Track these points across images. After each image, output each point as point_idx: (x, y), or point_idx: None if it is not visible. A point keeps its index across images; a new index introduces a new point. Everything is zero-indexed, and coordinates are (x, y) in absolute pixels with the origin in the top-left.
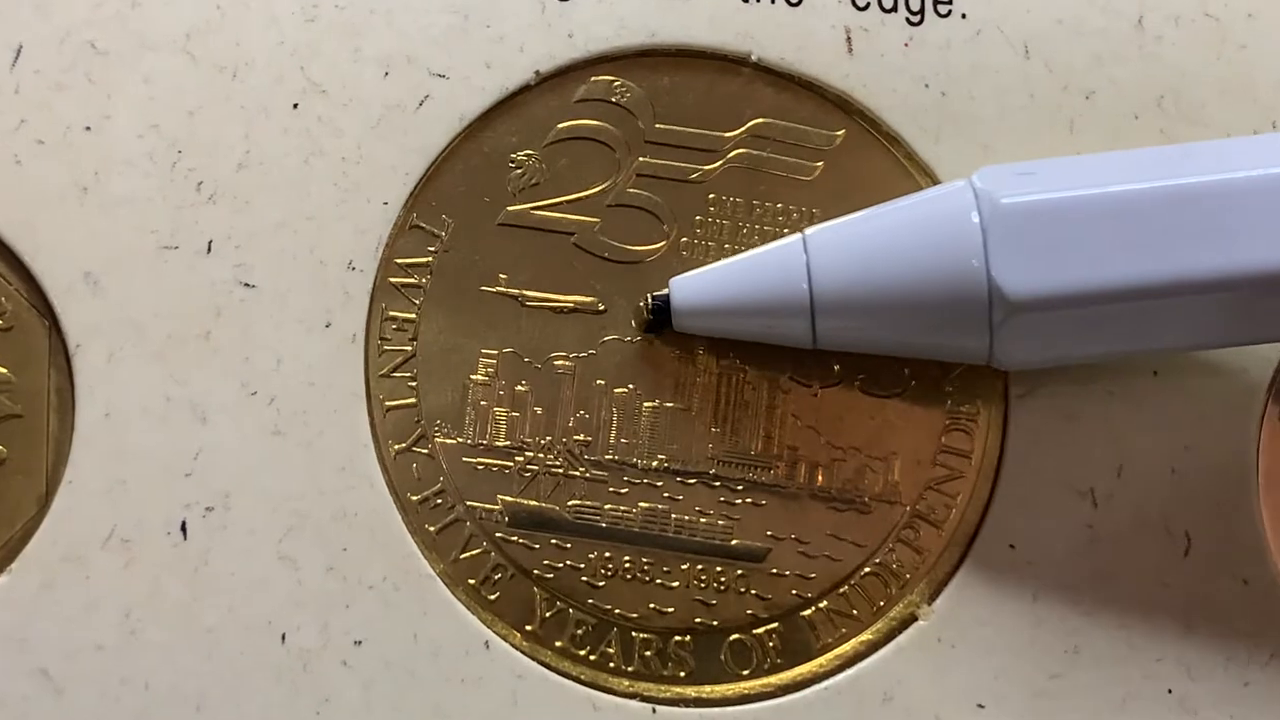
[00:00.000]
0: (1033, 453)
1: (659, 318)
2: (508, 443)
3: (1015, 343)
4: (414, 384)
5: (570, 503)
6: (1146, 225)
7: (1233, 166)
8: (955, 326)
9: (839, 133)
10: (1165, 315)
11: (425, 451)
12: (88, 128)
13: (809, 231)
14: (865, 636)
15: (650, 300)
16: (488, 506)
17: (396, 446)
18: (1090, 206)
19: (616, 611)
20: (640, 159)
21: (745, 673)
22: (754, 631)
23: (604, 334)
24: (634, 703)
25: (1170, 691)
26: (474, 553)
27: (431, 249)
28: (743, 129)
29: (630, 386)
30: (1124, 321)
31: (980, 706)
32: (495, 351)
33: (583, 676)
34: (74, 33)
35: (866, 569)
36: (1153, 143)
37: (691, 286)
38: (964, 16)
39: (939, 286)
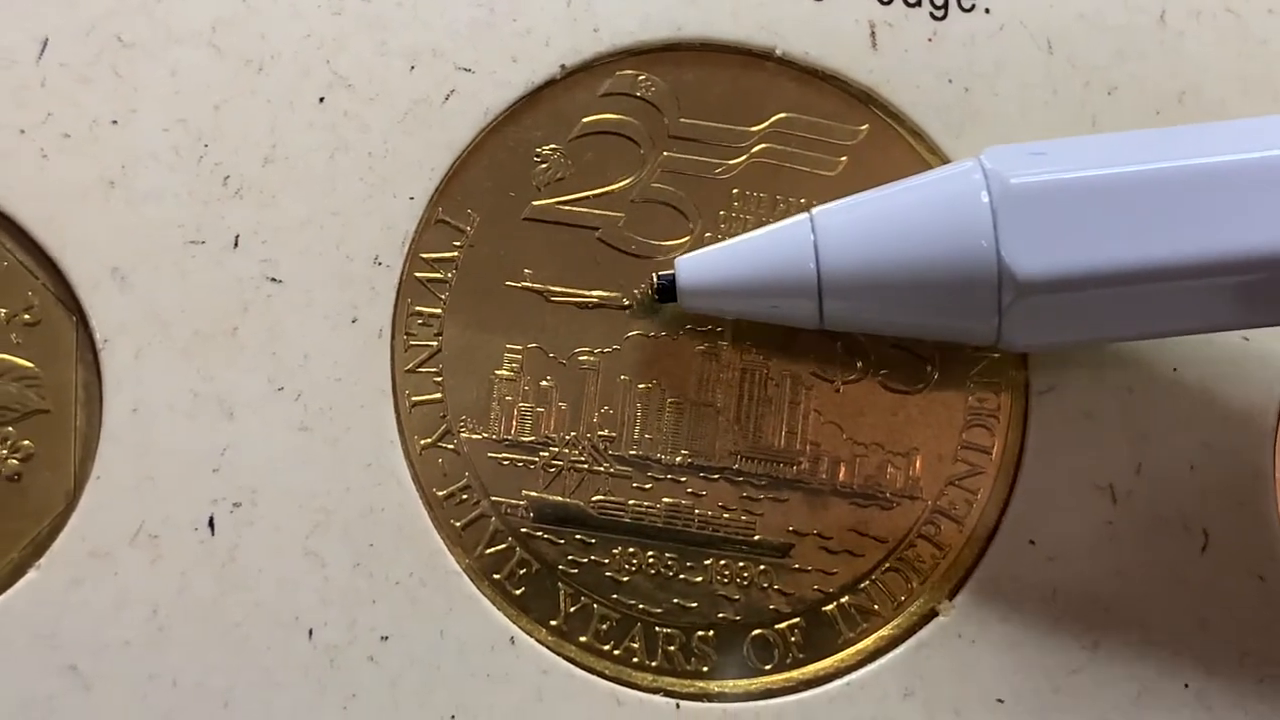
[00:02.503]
0: (1053, 449)
1: (664, 297)
2: (532, 438)
3: (1024, 324)
4: (439, 379)
5: (594, 498)
6: (1158, 206)
7: (1245, 147)
8: (963, 308)
9: (862, 128)
10: (1176, 298)
11: (451, 447)
12: (114, 121)
13: (816, 211)
14: (886, 632)
15: (656, 279)
16: (512, 502)
17: (422, 442)
18: (1101, 187)
19: (640, 607)
20: (665, 154)
21: (767, 668)
22: (776, 627)
23: (628, 329)
24: (657, 698)
25: (1187, 686)
26: (499, 548)
27: (457, 244)
28: (766, 124)
29: (654, 382)
30: (1134, 304)
31: (1000, 701)
32: (520, 347)
33: (607, 672)
34: (100, 25)
35: (888, 564)
36: None
37: (698, 265)
38: (987, 11)
39: (948, 267)
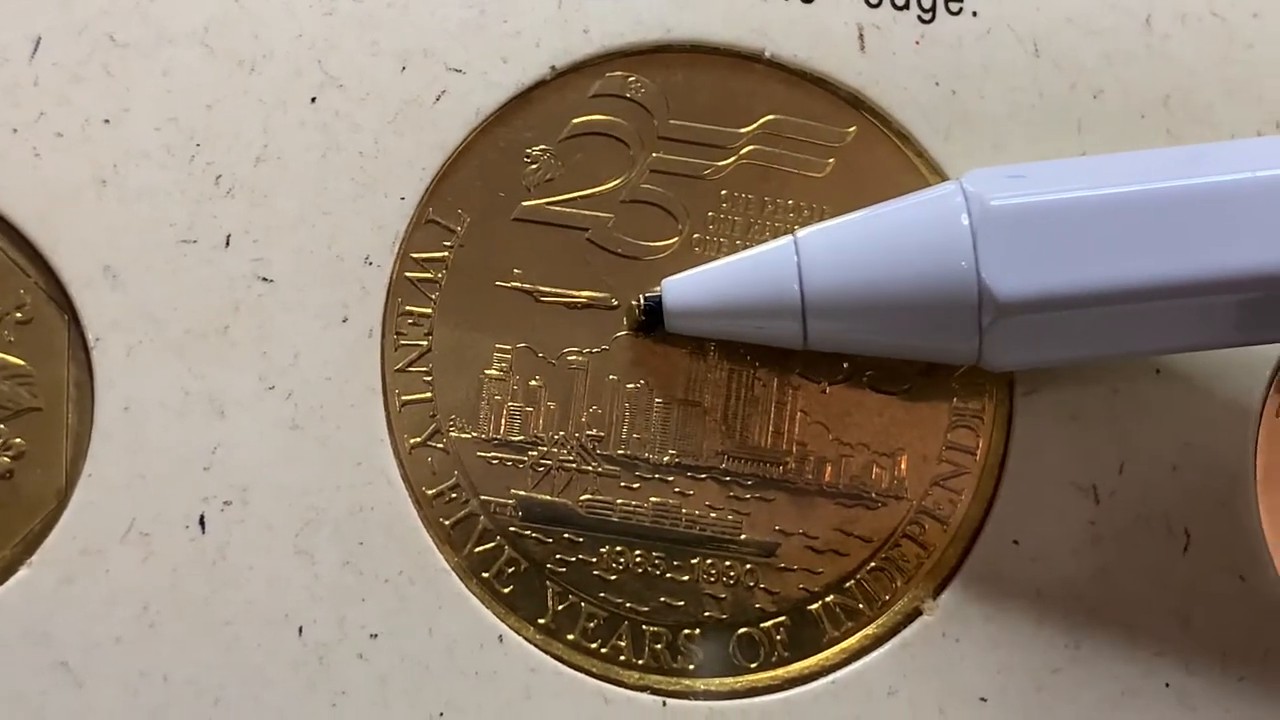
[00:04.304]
0: (1037, 450)
1: (651, 318)
2: (521, 437)
3: (1004, 345)
4: (429, 379)
5: (583, 497)
6: (1135, 228)
7: (1221, 169)
8: (945, 328)
9: (850, 130)
10: (1154, 318)
11: (440, 446)
12: (106, 120)
13: (800, 234)
14: (871, 631)
15: (643, 301)
16: (501, 501)
17: (412, 441)
18: (1080, 209)
19: (627, 605)
20: (654, 155)
21: (753, 666)
22: (762, 625)
23: (617, 329)
24: (644, 696)
25: (1168, 686)
26: (488, 547)
27: (447, 244)
28: (755, 125)
29: (642, 382)
30: (1112, 324)
31: (983, 700)
32: (509, 346)
33: (594, 670)
34: (93, 24)
35: (873, 564)
36: (1159, 142)
37: (684, 287)
38: (975, 14)
39: (929, 289)
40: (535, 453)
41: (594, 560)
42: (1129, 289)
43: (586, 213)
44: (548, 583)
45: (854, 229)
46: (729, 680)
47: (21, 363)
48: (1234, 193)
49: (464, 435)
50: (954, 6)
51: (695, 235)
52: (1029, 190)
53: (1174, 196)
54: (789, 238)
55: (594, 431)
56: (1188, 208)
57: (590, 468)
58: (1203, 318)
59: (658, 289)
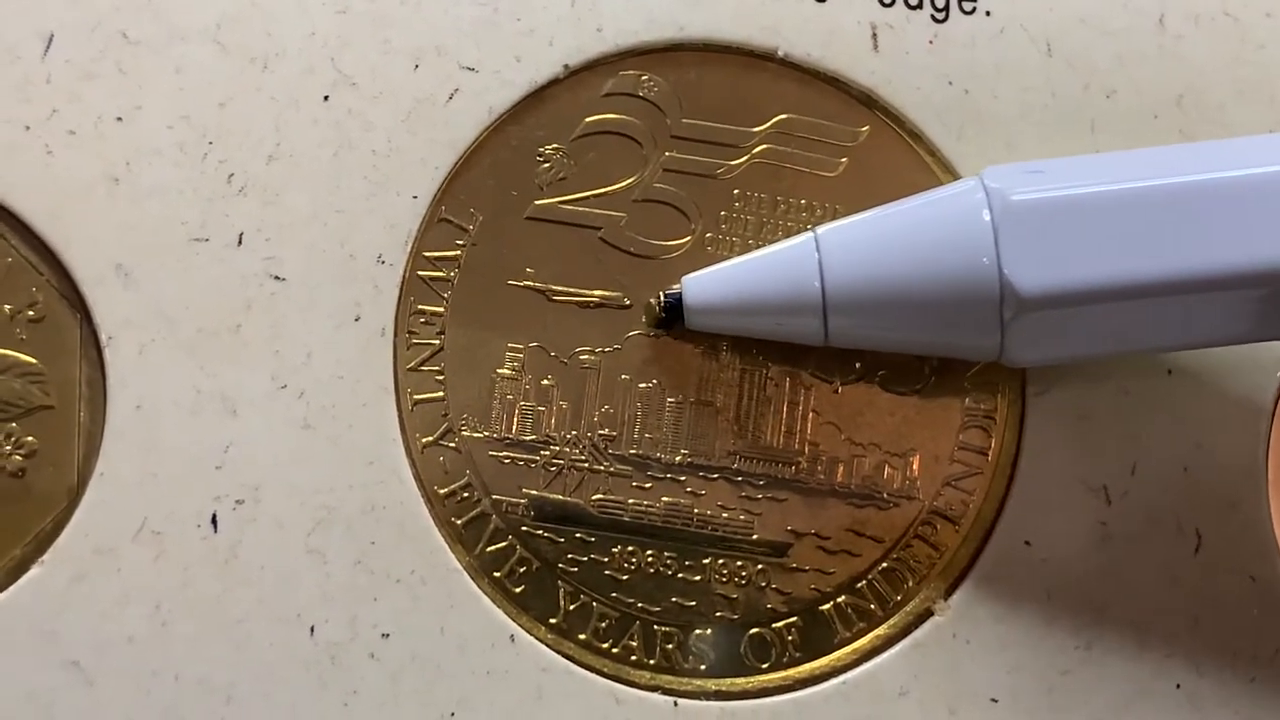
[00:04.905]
0: (1048, 450)
1: (671, 315)
2: (533, 437)
3: (1025, 340)
4: (441, 378)
5: (594, 497)
6: (1157, 222)
7: (1242, 164)
8: (967, 324)
9: (863, 129)
10: (1175, 312)
11: (452, 445)
12: (119, 118)
13: (821, 230)
14: (882, 631)
15: (663, 297)
16: (513, 500)
17: (424, 440)
18: (1101, 203)
19: (639, 605)
20: (667, 154)
21: (765, 666)
22: (773, 626)
23: (629, 329)
24: (655, 696)
25: (1179, 687)
26: (499, 546)
27: (460, 243)
28: (768, 124)
29: (654, 382)
30: (1134, 319)
31: (994, 701)
32: (521, 346)
33: (605, 670)
34: (105, 22)
35: (884, 564)
36: (1171, 143)
37: (704, 284)
38: (988, 14)
39: (950, 284)
40: (547, 452)
41: (605, 560)
42: (1150, 283)
43: (599, 212)
44: (559, 582)
45: (875, 225)
46: (740, 680)
47: (34, 361)
48: (1255, 187)
49: (476, 434)
50: (967, 6)
51: (708, 234)
52: (1049, 185)
53: (1195, 191)
54: (809, 234)
55: (606, 431)
56: (1209, 202)
57: (602, 467)
58: (1225, 312)
59: (677, 286)
